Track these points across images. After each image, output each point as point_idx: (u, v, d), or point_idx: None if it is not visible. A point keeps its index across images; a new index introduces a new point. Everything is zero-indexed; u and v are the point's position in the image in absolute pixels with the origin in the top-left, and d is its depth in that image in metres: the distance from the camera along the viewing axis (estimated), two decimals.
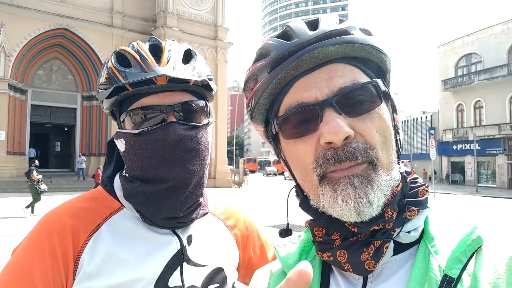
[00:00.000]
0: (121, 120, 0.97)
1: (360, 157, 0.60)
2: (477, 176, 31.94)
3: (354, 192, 0.60)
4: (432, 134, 32.90)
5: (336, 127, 0.59)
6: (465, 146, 34.50)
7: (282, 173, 49.62)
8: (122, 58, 0.96)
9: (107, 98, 0.94)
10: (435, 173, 27.32)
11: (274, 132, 0.71)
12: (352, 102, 0.62)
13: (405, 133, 43.38)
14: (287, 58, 0.65)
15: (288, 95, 0.67)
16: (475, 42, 34.31)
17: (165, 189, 0.92)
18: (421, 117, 42.30)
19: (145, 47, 0.97)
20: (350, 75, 0.64)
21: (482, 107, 33.58)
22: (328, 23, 0.67)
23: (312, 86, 0.64)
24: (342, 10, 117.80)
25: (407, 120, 44.30)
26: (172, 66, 0.93)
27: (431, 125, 39.07)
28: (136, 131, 0.93)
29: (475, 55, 34.53)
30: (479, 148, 30.80)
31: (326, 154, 0.61)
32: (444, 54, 37.38)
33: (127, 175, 0.98)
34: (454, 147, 35.80)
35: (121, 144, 0.97)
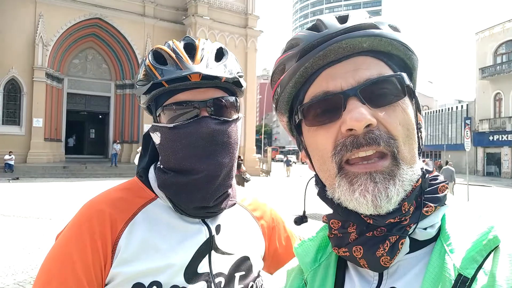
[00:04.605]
0: (157, 114, 1.02)
1: (382, 143, 0.61)
2: None
3: (374, 187, 0.60)
4: (468, 124, 31.78)
5: (358, 113, 0.60)
6: (502, 137, 33.26)
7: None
8: (158, 56, 1.01)
9: (144, 93, 1.00)
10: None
11: (297, 121, 0.72)
12: (376, 94, 0.63)
13: (440, 122, 42.23)
14: (315, 48, 0.65)
15: (314, 84, 0.67)
16: None
17: (197, 179, 0.97)
18: (457, 107, 40.98)
19: (180, 46, 1.02)
20: (376, 68, 0.65)
21: None
22: (358, 18, 0.67)
23: (338, 76, 0.65)
24: (376, 5, 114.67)
25: (442, 110, 43.07)
26: (205, 64, 0.97)
27: (467, 115, 37.82)
28: (171, 125, 0.98)
29: None
30: None
31: (346, 141, 0.62)
32: (482, 41, 35.92)
33: (161, 166, 1.03)
34: (491, 138, 34.56)
35: (156, 137, 1.02)
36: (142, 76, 1.00)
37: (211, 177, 0.97)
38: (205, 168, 0.96)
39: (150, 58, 1.01)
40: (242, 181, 15.08)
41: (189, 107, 0.97)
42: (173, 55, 0.98)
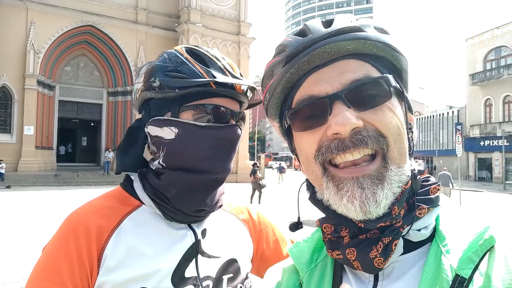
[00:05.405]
0: (180, 110, 0.99)
1: (370, 142, 0.61)
2: (505, 173, 31.06)
3: (361, 193, 0.60)
4: (459, 130, 32.11)
5: (344, 117, 0.60)
6: (492, 142, 33.59)
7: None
8: (196, 56, 1.03)
9: (181, 88, 0.96)
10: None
11: (287, 126, 0.73)
12: (362, 96, 0.63)
13: (431, 128, 42.58)
14: (300, 53, 0.66)
15: (300, 89, 0.68)
16: (505, 35, 33.27)
17: (209, 180, 1.00)
18: (448, 112, 41.34)
19: (216, 53, 1.07)
20: (362, 70, 0.65)
21: None
22: (343, 21, 0.68)
23: (324, 81, 0.65)
24: (367, 3, 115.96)
25: (433, 115, 43.42)
26: (243, 78, 1.05)
27: (458, 121, 38.16)
28: (203, 124, 0.99)
29: (505, 48, 33.50)
30: (508, 144, 29.99)
31: (331, 144, 0.63)
32: (472, 47, 36.40)
33: (164, 164, 1.01)
34: (482, 143, 34.88)
35: (168, 132, 0.99)
36: (177, 70, 0.98)
37: (220, 180, 1.03)
38: (221, 171, 1.01)
39: (188, 56, 1.01)
40: (258, 187, 15.72)
41: (226, 113, 1.02)
42: (218, 62, 1.02)
